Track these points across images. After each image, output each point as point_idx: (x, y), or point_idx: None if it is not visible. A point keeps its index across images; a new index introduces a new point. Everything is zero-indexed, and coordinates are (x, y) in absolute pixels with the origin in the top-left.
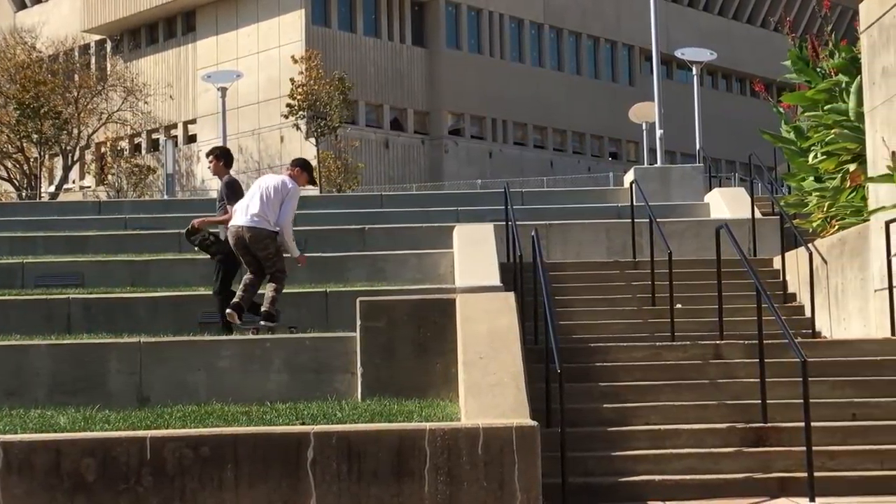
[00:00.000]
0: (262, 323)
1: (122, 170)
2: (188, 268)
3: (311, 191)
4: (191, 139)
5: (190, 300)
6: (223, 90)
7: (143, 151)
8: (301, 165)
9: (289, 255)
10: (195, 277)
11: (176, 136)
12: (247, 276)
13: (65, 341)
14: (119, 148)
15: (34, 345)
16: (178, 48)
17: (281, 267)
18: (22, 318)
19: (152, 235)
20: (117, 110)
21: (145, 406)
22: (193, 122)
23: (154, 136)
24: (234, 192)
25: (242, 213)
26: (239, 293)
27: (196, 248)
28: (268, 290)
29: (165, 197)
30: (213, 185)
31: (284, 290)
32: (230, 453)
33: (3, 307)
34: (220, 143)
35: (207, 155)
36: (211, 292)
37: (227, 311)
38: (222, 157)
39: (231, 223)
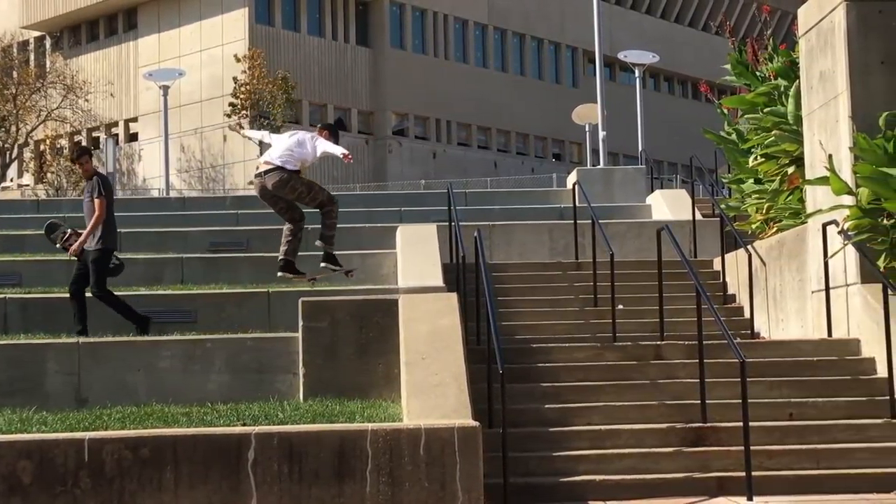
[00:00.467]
0: (322, 265)
1: (61, 168)
2: (128, 267)
3: (252, 191)
4: (132, 137)
5: (130, 300)
6: (165, 88)
7: None
8: (329, 129)
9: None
10: (135, 277)
11: (117, 135)
12: (285, 228)
13: (1, 342)
14: (59, 146)
15: None
16: (119, 45)
17: (324, 198)
18: None
19: None
20: (57, 108)
21: (84, 407)
22: (135, 120)
23: (95, 134)
24: (108, 186)
25: (261, 166)
26: (283, 248)
27: (57, 246)
28: (322, 229)
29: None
30: (155, 185)
31: (229, 290)
32: (170, 455)
33: None
34: (162, 142)
35: (76, 161)
36: (149, 292)
37: (280, 273)
38: (92, 156)
39: (253, 179)
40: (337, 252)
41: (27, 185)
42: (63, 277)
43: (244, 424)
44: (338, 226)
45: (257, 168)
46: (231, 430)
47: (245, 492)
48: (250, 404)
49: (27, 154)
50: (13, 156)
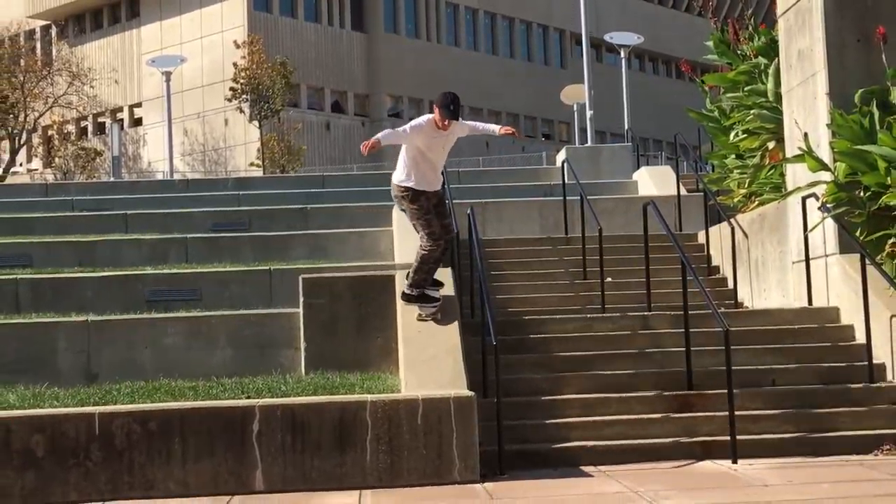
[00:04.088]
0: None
1: (68, 153)
2: (134, 248)
3: (255, 172)
4: (136, 122)
5: (136, 279)
6: (167, 74)
7: (90, 135)
8: (437, 100)
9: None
10: (141, 257)
11: (122, 120)
12: None
13: (13, 321)
14: (66, 131)
15: None
16: (122, 33)
17: (419, 228)
18: None
19: (99, 217)
20: (63, 94)
21: (94, 383)
22: (139, 105)
23: (100, 119)
24: None
25: None
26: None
27: None
28: None
29: (112, 179)
30: (160, 168)
31: (232, 269)
32: (177, 427)
33: None
34: (165, 127)
35: None
36: (154, 271)
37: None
38: None
39: None
40: (335, 231)
41: (36, 170)
42: (72, 258)
43: (248, 397)
44: (334, 205)
45: None
46: (236, 403)
47: (250, 463)
48: (254, 378)
49: (35, 139)
50: (22, 141)
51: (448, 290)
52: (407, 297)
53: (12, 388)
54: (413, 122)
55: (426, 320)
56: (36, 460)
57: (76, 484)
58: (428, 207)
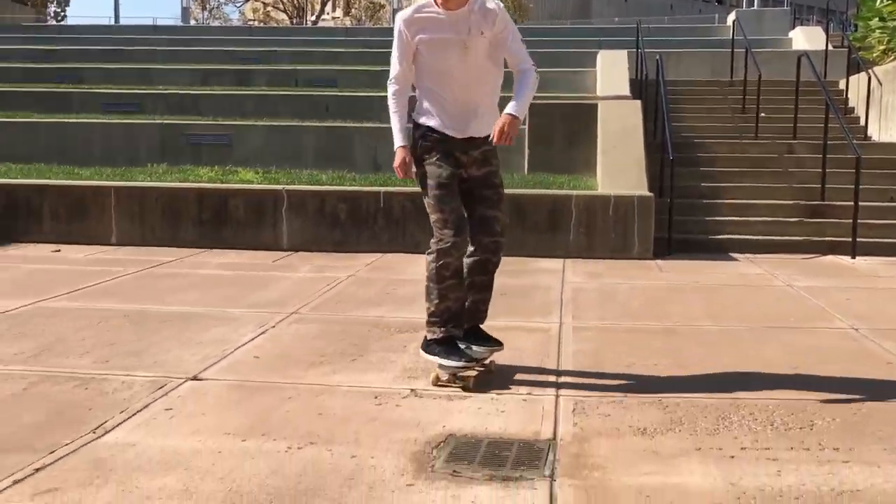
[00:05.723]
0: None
1: (361, 5)
2: None
3: None
4: None
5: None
6: None
7: None
8: None
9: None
10: None
11: None
12: None
13: (325, 124)
14: None
15: (305, 126)
16: None
17: (430, 212)
18: (295, 108)
19: (384, 53)
20: None
21: (379, 171)
22: None
23: None
24: None
25: None
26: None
27: None
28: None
29: (392, 25)
30: None
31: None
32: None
33: (284, 100)
34: None
35: None
36: None
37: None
38: None
39: None
40: (553, 69)
41: (338, 17)
42: (366, 81)
43: None
44: (552, 51)
45: None
46: None
47: None
48: None
49: None
50: None
51: (637, 117)
52: (426, 346)
53: (324, 172)
54: (400, 17)
55: (447, 384)
56: (340, 222)
57: (366, 240)
58: (450, 174)
